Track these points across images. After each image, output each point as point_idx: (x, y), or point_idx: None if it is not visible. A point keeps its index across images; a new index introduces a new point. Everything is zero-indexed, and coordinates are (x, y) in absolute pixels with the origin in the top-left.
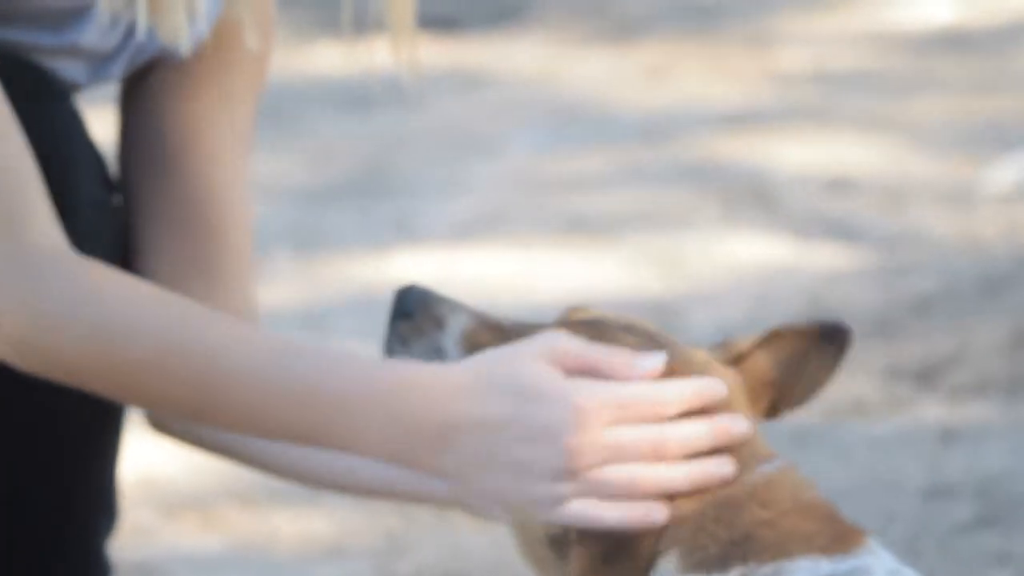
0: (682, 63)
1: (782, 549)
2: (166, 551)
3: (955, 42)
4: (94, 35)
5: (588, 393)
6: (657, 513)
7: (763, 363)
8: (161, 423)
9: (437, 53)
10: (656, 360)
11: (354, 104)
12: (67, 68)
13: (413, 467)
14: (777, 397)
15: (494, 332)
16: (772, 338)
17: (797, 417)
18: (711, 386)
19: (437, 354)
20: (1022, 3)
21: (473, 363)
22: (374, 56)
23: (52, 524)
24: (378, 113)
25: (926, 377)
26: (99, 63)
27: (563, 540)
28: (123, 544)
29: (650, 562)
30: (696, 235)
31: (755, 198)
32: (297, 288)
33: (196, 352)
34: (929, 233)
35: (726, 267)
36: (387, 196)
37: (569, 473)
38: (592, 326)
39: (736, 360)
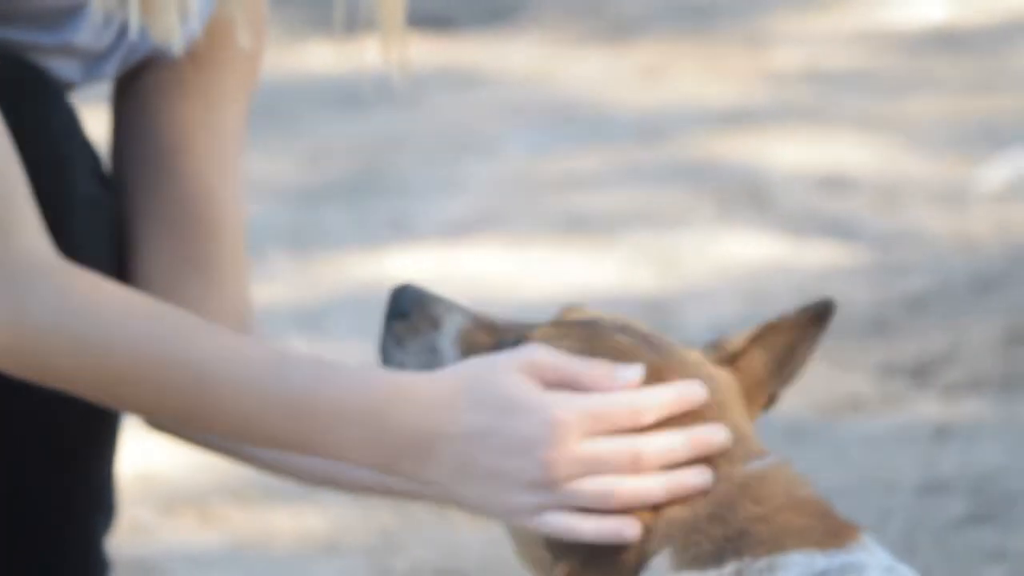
0: (677, 63)
1: (776, 544)
2: (164, 548)
3: (949, 42)
4: (88, 34)
5: (565, 405)
6: (629, 529)
7: (757, 361)
8: (158, 421)
9: (433, 52)
10: (634, 371)
11: (349, 103)
12: (61, 67)
13: (397, 475)
14: (773, 389)
15: (489, 332)
16: (765, 332)
17: (792, 414)
18: (690, 393)
19: (432, 354)
20: (1015, 2)
21: (453, 375)
22: (365, 55)
23: (51, 521)
24: (373, 112)
25: (920, 374)
26: (92, 62)
27: (559, 541)
28: (121, 541)
29: (639, 563)
30: (692, 234)
31: (750, 197)
32: (293, 287)
33: (186, 363)
34: (923, 231)
35: (721, 266)
36: (383, 195)
37: (546, 484)
38: (586, 326)
39: (730, 360)
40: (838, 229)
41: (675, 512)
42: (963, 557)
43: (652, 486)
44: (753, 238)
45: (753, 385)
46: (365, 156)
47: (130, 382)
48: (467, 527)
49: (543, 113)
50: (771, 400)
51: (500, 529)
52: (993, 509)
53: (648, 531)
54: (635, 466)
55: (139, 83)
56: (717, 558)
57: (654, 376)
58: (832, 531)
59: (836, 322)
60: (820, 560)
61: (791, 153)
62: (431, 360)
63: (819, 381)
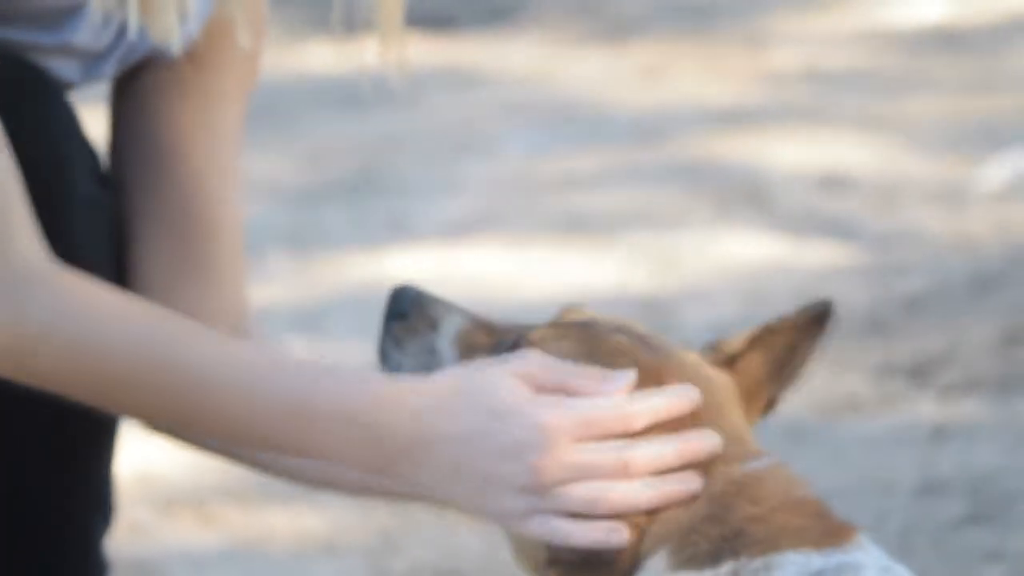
0: (677, 63)
1: (773, 544)
2: (163, 548)
3: (947, 41)
4: (87, 34)
5: (555, 411)
6: (617, 536)
7: (756, 363)
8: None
9: (432, 52)
10: (626, 376)
11: (348, 103)
12: (60, 67)
13: (390, 479)
14: (772, 392)
15: (488, 333)
16: (763, 334)
17: (790, 415)
18: (682, 398)
19: (431, 354)
20: (1014, 2)
21: (447, 379)
22: (365, 55)
23: (50, 522)
24: (373, 112)
25: (918, 375)
26: (91, 62)
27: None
28: (120, 541)
29: (634, 564)
30: (690, 234)
31: (749, 197)
32: (292, 287)
33: (182, 368)
34: (921, 232)
35: (720, 266)
36: (382, 195)
37: (536, 489)
38: (584, 327)
39: (729, 361)
40: (837, 229)
41: (671, 512)
42: (961, 557)
43: (641, 494)
44: (752, 238)
45: (752, 387)
46: (364, 156)
47: (126, 386)
48: (466, 528)
49: (543, 113)
50: (770, 404)
51: (497, 531)
52: (991, 509)
53: (643, 532)
54: (624, 472)
55: (138, 83)
56: (714, 558)
57: (652, 377)
58: (829, 531)
59: (834, 322)
60: (816, 560)
61: (790, 153)
62: (430, 361)
63: (817, 381)
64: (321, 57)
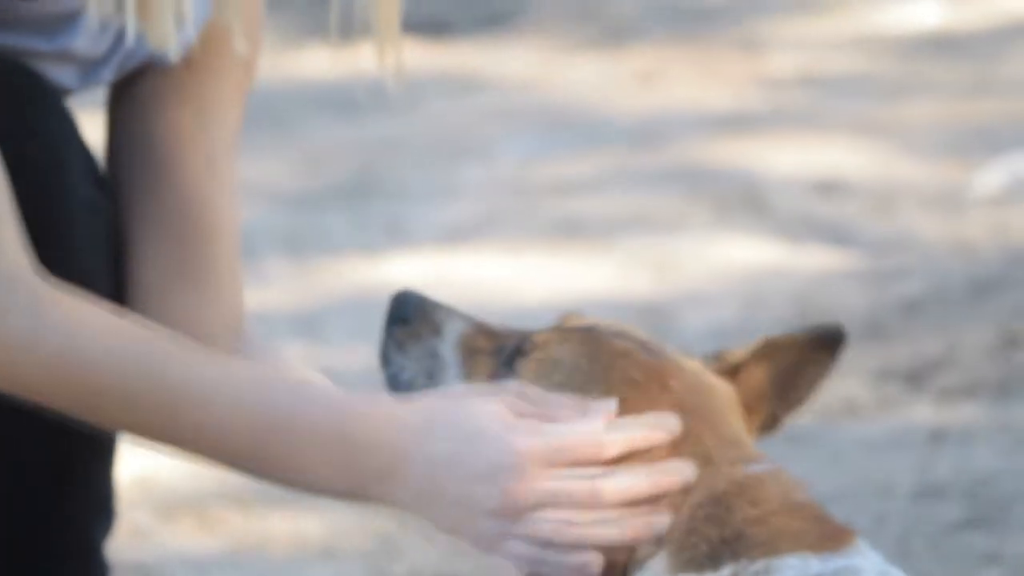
0: (673, 67)
1: (772, 547)
2: (163, 552)
3: (944, 46)
4: (84, 40)
5: (529, 436)
6: (588, 569)
7: (758, 376)
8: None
9: (429, 57)
10: (606, 407)
11: (345, 108)
12: (58, 73)
13: (368, 497)
14: (774, 409)
15: (489, 337)
16: (767, 348)
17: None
18: (658, 428)
19: (433, 358)
20: (1011, 6)
21: (426, 402)
22: (360, 61)
23: (51, 526)
24: (369, 117)
25: (916, 379)
26: (89, 68)
27: None
28: (120, 545)
29: (630, 565)
30: (688, 238)
31: (746, 202)
32: (289, 292)
33: (162, 384)
34: (918, 236)
35: (717, 270)
36: (379, 200)
37: (507, 513)
38: (586, 331)
39: (731, 371)
40: (834, 233)
41: (673, 511)
42: (958, 561)
43: (606, 528)
44: (750, 243)
45: (752, 399)
46: (362, 161)
47: (106, 400)
48: None
49: (539, 118)
50: (773, 421)
51: None
52: (988, 513)
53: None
54: (593, 501)
55: (135, 89)
56: (713, 560)
57: (655, 377)
58: (827, 535)
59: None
60: (815, 564)
61: (787, 158)
62: (432, 365)
63: None
64: (318, 62)
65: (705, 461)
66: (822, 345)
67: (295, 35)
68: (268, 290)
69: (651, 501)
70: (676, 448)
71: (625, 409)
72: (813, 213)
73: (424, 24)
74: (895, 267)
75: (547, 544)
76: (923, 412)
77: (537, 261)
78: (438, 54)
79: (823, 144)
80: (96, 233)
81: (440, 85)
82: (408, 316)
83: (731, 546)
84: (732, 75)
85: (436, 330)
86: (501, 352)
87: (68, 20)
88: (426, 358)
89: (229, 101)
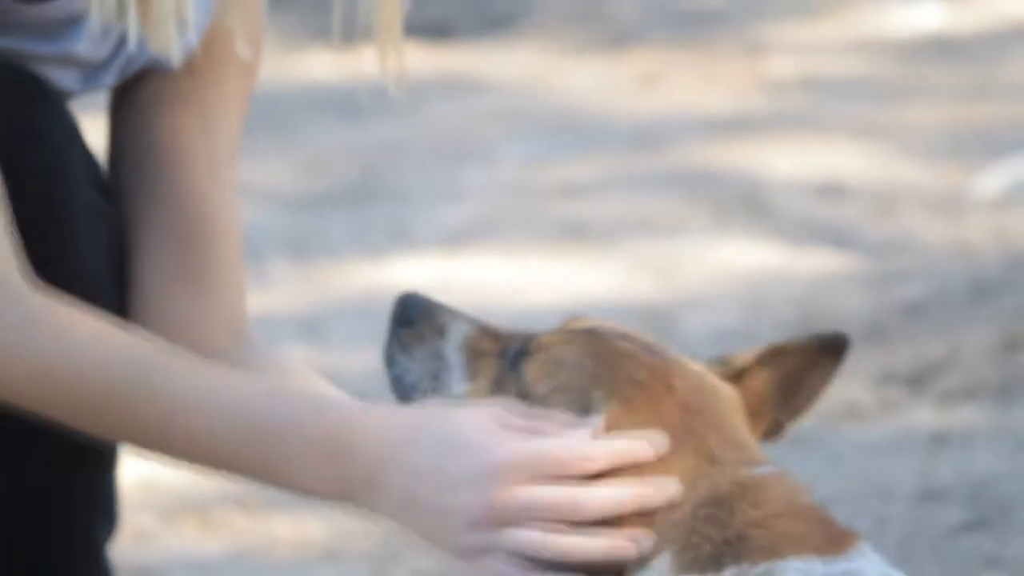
0: (675, 71)
1: (775, 550)
2: (166, 555)
3: (944, 49)
4: (87, 44)
5: (509, 448)
6: None
7: (762, 381)
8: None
9: (431, 60)
10: (593, 422)
11: (348, 111)
12: (60, 76)
13: (354, 504)
14: (778, 414)
15: (494, 339)
16: (771, 354)
17: None
18: (643, 444)
19: (438, 361)
20: (1011, 10)
21: (413, 412)
22: (363, 64)
23: (53, 528)
24: (372, 120)
25: (917, 382)
26: (92, 72)
27: None
28: (123, 548)
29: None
30: (689, 242)
31: (747, 205)
32: (292, 295)
33: (151, 394)
34: (919, 239)
35: (718, 273)
36: (382, 203)
37: (487, 525)
38: (590, 333)
39: (735, 376)
40: (835, 237)
41: (674, 514)
42: (960, 564)
43: (584, 545)
44: (751, 246)
45: (756, 404)
46: (364, 164)
47: (97, 410)
48: None
49: (541, 121)
50: (777, 428)
51: None
52: (990, 516)
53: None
54: (575, 513)
55: (137, 93)
56: (716, 562)
57: (659, 377)
58: (830, 538)
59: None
60: (818, 567)
61: (788, 161)
62: (437, 366)
63: None
64: (321, 65)
65: (709, 461)
66: (826, 352)
67: (297, 38)
68: (271, 293)
69: (637, 516)
70: (679, 447)
71: (630, 409)
72: (814, 216)
73: (426, 27)
74: (896, 270)
75: (526, 559)
76: (924, 415)
77: (539, 264)
78: (440, 57)
79: (824, 147)
80: (98, 237)
81: (442, 88)
82: (412, 318)
83: (733, 548)
84: (733, 78)
85: (440, 332)
86: (506, 354)
87: (71, 24)
88: (430, 360)
89: (231, 105)
